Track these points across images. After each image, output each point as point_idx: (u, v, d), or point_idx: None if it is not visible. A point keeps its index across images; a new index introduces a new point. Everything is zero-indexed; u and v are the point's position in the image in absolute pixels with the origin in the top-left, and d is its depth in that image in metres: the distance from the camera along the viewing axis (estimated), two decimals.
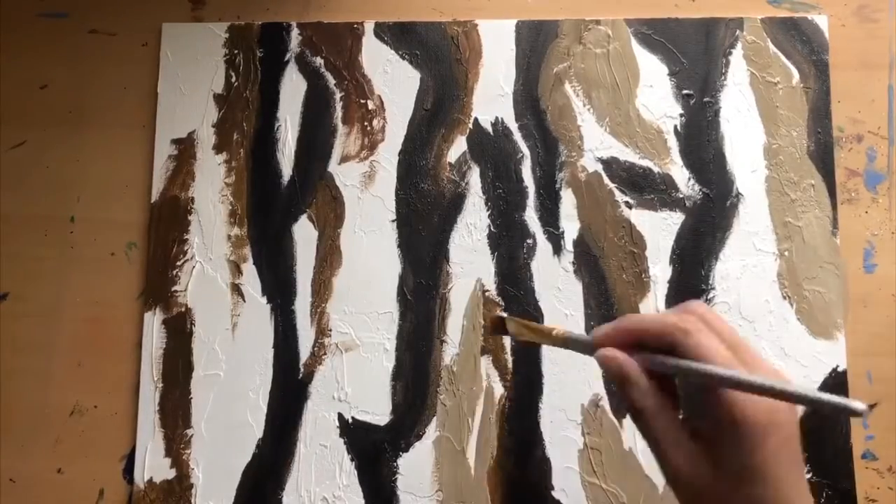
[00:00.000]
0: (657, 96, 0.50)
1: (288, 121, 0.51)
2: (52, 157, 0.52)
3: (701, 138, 0.50)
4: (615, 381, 0.31)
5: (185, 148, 0.51)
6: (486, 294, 0.49)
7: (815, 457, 0.46)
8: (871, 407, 0.26)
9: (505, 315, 0.47)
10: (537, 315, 0.48)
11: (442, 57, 0.51)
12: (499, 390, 0.48)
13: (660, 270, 0.49)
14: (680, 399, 0.31)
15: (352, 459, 0.47)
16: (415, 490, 0.47)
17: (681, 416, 0.30)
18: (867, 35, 0.51)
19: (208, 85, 0.52)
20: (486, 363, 0.48)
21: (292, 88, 0.51)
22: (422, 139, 0.51)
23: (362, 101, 0.51)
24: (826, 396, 0.26)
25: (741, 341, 0.29)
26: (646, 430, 0.30)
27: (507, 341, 0.48)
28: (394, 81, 0.51)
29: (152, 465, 0.47)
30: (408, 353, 0.48)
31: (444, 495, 0.46)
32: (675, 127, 0.50)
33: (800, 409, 0.34)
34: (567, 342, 0.36)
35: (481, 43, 0.51)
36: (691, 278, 0.48)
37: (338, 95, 0.51)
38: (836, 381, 0.47)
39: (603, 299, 0.48)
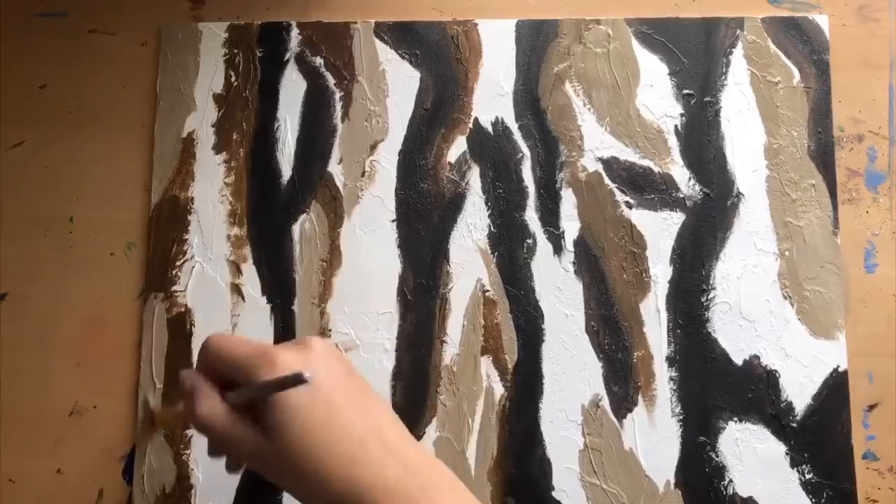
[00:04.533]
0: (657, 96, 0.50)
1: (288, 120, 0.51)
2: (51, 157, 0.51)
3: (701, 138, 0.50)
4: (186, 399, 0.37)
5: (185, 148, 0.51)
6: (486, 294, 0.49)
7: (815, 457, 0.46)
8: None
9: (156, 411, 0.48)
10: (537, 315, 0.48)
11: (442, 56, 0.51)
12: (499, 390, 0.48)
13: (660, 270, 0.49)
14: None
15: None
16: None
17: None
18: (868, 35, 0.51)
19: (208, 85, 0.52)
20: (486, 363, 0.48)
21: (292, 88, 0.51)
22: (422, 139, 0.51)
23: (362, 101, 0.51)
24: (275, 381, 0.33)
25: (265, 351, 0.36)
26: (220, 434, 0.36)
27: (507, 342, 0.48)
28: (394, 81, 0.51)
29: (152, 465, 0.47)
30: (408, 354, 0.48)
31: None
32: (676, 127, 0.50)
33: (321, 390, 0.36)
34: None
35: (481, 42, 0.51)
36: (692, 278, 0.48)
37: (338, 95, 0.51)
38: (837, 381, 0.47)
39: (603, 299, 0.48)
